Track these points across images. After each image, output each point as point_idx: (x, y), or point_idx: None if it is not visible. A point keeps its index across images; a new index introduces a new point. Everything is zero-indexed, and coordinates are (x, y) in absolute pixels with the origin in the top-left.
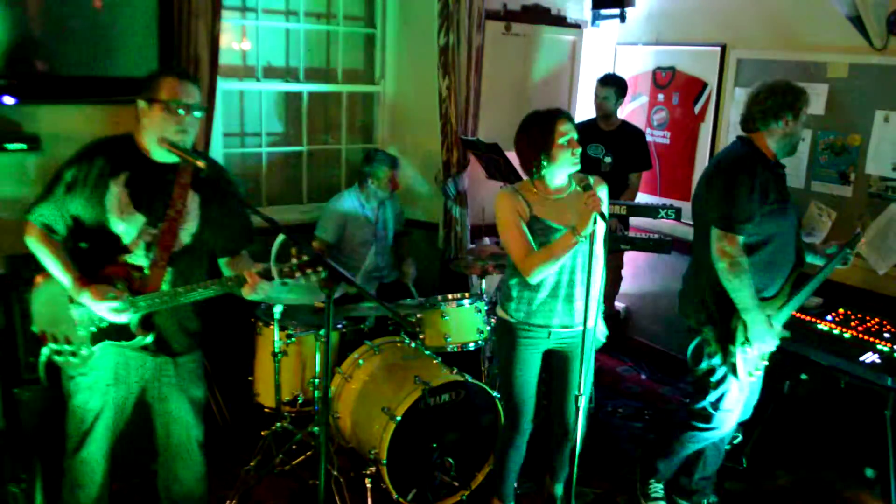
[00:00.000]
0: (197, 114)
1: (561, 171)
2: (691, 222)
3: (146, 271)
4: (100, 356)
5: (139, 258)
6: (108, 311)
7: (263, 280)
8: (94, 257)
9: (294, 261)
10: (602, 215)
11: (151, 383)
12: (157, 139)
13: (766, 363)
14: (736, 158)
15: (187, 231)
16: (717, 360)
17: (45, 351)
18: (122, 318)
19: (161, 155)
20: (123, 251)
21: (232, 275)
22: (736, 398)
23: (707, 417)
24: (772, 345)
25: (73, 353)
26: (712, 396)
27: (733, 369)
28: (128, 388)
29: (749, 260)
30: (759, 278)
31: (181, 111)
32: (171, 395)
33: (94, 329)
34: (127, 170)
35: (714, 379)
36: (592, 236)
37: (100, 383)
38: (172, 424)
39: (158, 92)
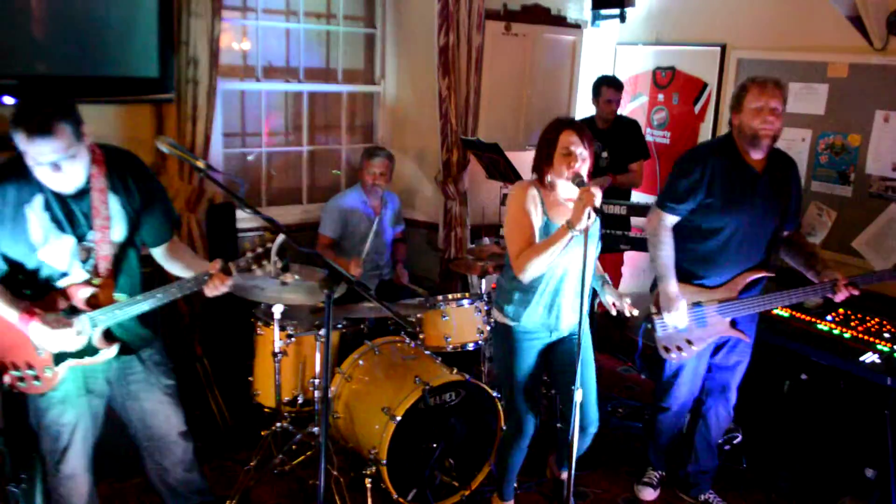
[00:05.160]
0: (64, 164)
1: (562, 181)
2: None
3: (92, 283)
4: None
5: (80, 276)
6: (63, 340)
7: (225, 276)
8: (36, 286)
9: (249, 255)
10: (596, 210)
11: (118, 383)
12: (49, 185)
13: (696, 348)
14: (702, 144)
15: (119, 234)
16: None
17: (6, 380)
18: (75, 347)
19: None
20: (61, 276)
21: (193, 276)
22: (680, 378)
23: (660, 396)
24: (680, 322)
25: (37, 377)
26: (664, 374)
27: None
28: (100, 393)
29: (691, 245)
30: (697, 266)
31: (48, 168)
32: (142, 390)
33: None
34: (40, 192)
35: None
36: (587, 233)
37: (71, 395)
38: (150, 419)
39: (19, 142)
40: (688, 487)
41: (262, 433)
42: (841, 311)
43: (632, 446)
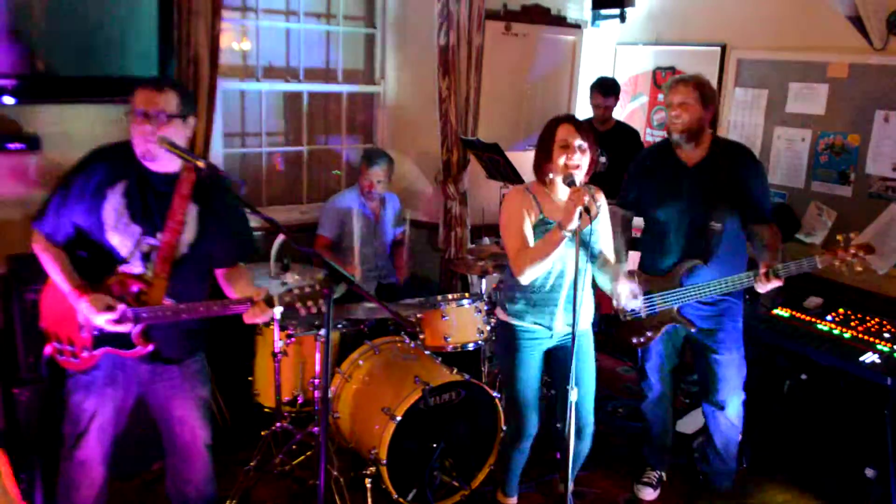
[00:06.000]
0: (156, 122)
1: (558, 174)
2: None
3: (146, 279)
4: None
5: (136, 269)
6: (104, 322)
7: (267, 307)
8: (95, 267)
9: (297, 292)
10: (587, 210)
11: (151, 386)
12: (135, 148)
13: (650, 334)
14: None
15: (187, 242)
16: None
17: (48, 350)
18: (119, 329)
19: (159, 164)
20: (120, 262)
21: (237, 298)
22: (648, 364)
23: (640, 384)
24: (632, 305)
25: (74, 354)
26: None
27: None
28: (125, 390)
29: (643, 236)
30: (648, 256)
31: (139, 119)
32: (175, 397)
33: (96, 333)
34: (125, 179)
35: None
36: (578, 233)
37: (97, 383)
38: (178, 426)
39: (133, 101)
40: (705, 484)
41: (262, 433)
42: (841, 311)
43: (632, 446)
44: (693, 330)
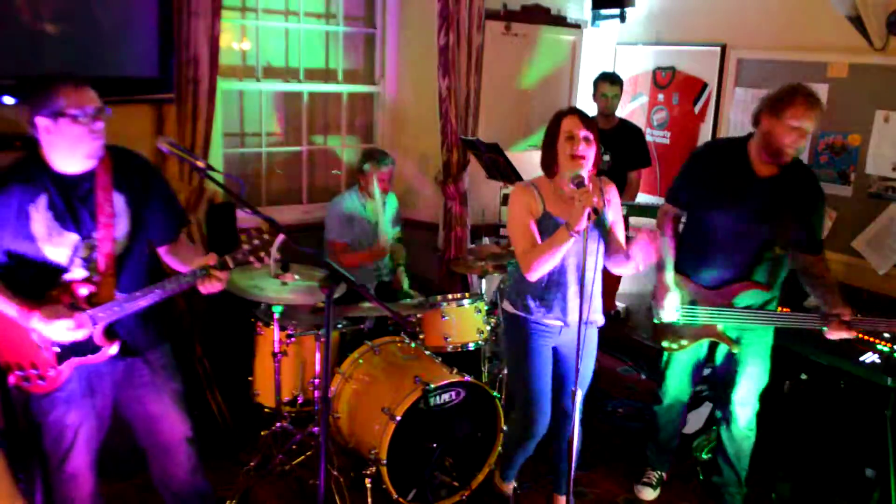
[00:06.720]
0: (99, 119)
1: (565, 167)
2: None
3: (92, 281)
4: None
5: (80, 273)
6: (63, 331)
7: (222, 271)
8: (37, 284)
9: (246, 248)
10: (595, 211)
11: (124, 386)
12: (80, 151)
13: (685, 343)
14: (715, 140)
15: (123, 232)
16: None
17: (11, 380)
18: (78, 336)
19: (72, 166)
20: (62, 272)
21: (190, 270)
22: (670, 370)
23: (658, 387)
24: (669, 314)
25: (41, 376)
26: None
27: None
28: (104, 396)
29: (689, 238)
30: (691, 260)
31: (90, 119)
32: (148, 394)
33: (57, 349)
34: (44, 192)
35: None
36: (586, 233)
37: (75, 396)
38: (155, 423)
39: (59, 103)
40: (715, 497)
41: (262, 433)
42: None
43: (632, 446)
44: (735, 351)
